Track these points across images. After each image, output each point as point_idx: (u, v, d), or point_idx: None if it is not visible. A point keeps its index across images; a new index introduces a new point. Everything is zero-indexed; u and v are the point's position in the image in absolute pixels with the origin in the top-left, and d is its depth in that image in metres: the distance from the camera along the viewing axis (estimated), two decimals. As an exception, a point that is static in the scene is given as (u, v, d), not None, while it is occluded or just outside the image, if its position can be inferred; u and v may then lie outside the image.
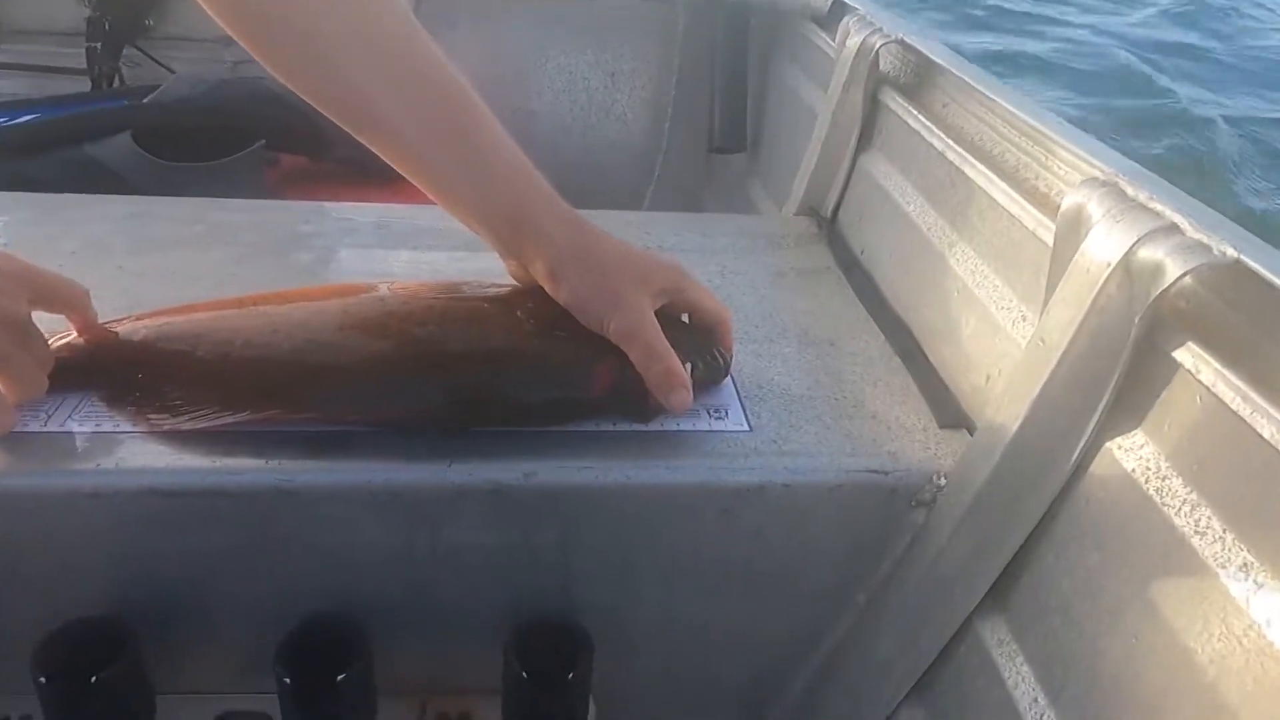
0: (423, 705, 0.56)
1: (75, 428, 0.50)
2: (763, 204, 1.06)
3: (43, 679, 0.46)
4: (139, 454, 0.48)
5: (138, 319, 0.55)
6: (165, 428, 0.49)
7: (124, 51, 1.11)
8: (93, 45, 1.08)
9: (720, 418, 0.55)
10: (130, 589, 0.50)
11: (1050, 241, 0.51)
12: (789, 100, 1.03)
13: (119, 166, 0.84)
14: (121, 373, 0.52)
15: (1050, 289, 0.47)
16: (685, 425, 0.54)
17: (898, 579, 0.55)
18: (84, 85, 1.10)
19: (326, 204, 0.78)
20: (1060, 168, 0.55)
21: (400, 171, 0.54)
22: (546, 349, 0.52)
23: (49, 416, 0.51)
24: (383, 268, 0.69)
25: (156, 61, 1.11)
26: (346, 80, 0.52)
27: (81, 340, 0.53)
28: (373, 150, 0.54)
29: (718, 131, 1.08)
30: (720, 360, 0.55)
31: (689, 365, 0.53)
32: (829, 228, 0.82)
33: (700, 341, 0.55)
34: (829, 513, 0.52)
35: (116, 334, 0.54)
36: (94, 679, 0.46)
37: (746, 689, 0.61)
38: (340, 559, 0.51)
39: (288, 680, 0.47)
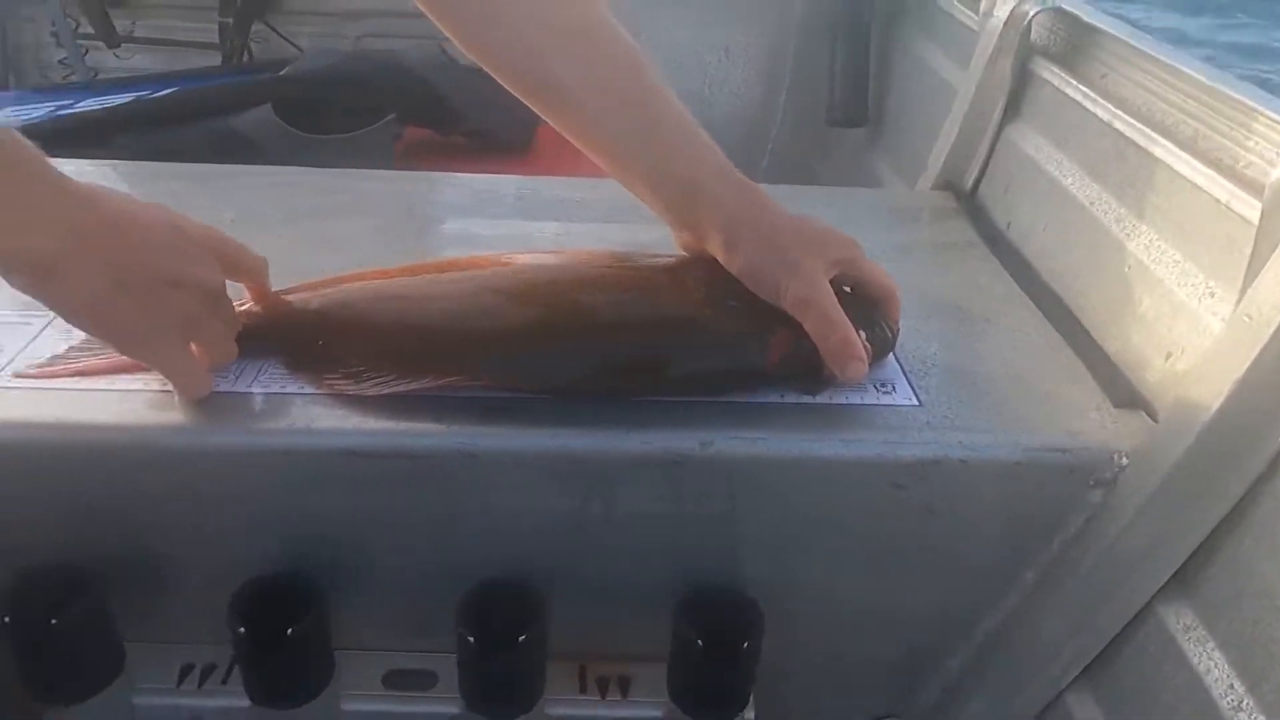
0: (582, 669, 0.57)
1: (261, 390, 0.52)
2: (886, 178, 1.04)
3: (241, 629, 0.48)
4: (327, 415, 0.49)
5: (311, 287, 0.57)
6: (350, 393, 0.51)
7: (252, 27, 1.14)
8: (225, 20, 1.11)
9: (888, 392, 0.54)
10: (316, 546, 0.52)
11: (1244, 212, 0.49)
12: (917, 72, 1.00)
13: (259, 138, 0.86)
14: (301, 339, 0.53)
15: (1257, 262, 0.45)
16: (853, 399, 0.53)
17: (1069, 559, 0.53)
18: (213, 59, 1.13)
19: (465, 175, 0.79)
20: (1248, 136, 0.52)
21: (571, 138, 0.54)
22: (720, 318, 0.52)
23: (236, 379, 0.52)
24: (529, 239, 0.70)
25: (282, 36, 1.13)
26: (525, 45, 0.52)
27: (259, 308, 0.55)
28: (545, 118, 0.54)
29: (839, 104, 1.07)
30: (889, 333, 0.55)
31: (859, 336, 0.52)
32: (968, 201, 0.80)
33: (868, 314, 0.54)
34: (1003, 490, 0.51)
35: (292, 302, 0.55)
36: (289, 631, 0.48)
37: (901, 663, 0.60)
38: (515, 523, 0.51)
39: (472, 640, 0.48)
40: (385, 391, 0.50)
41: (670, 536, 0.52)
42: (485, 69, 0.53)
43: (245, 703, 0.54)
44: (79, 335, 0.55)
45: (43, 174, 0.43)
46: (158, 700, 0.54)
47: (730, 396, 0.52)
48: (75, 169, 0.77)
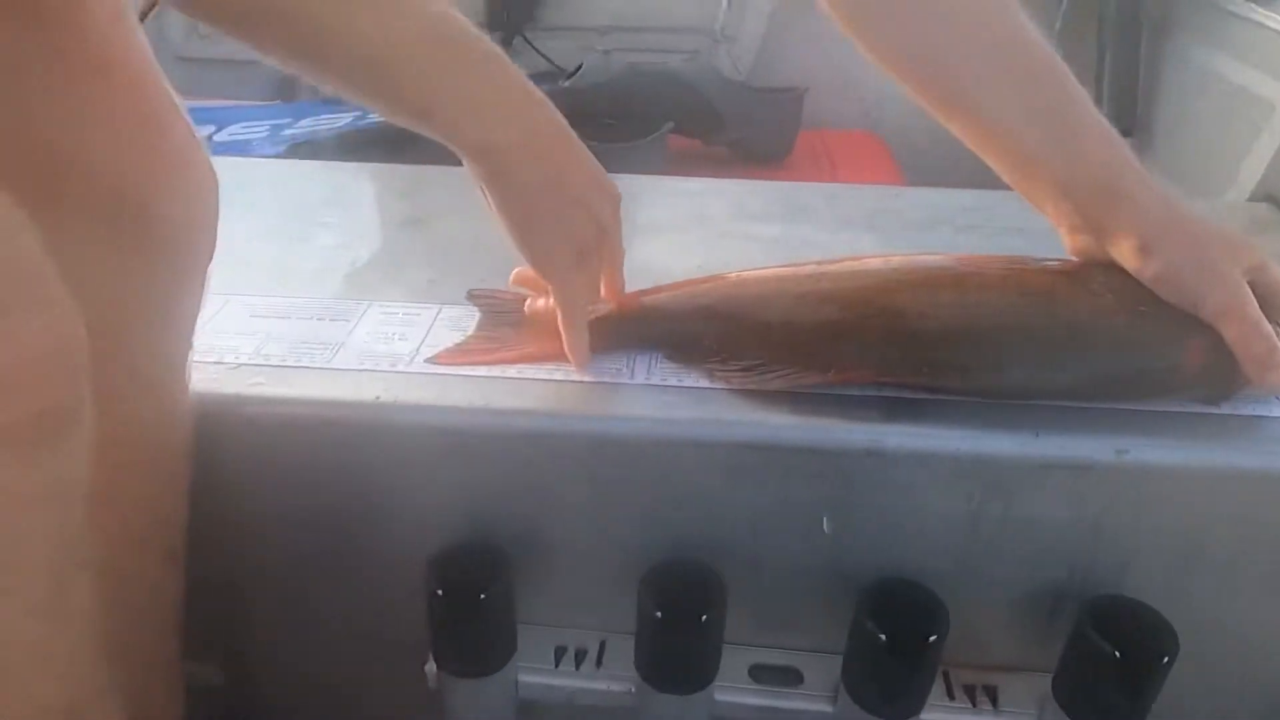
0: (945, 675, 0.56)
1: (659, 382, 0.53)
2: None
3: (658, 614, 0.49)
4: (733, 408, 0.51)
5: (676, 286, 0.58)
6: (750, 386, 0.52)
7: (514, 40, 1.19)
8: (493, 35, 1.15)
9: (1294, 404, 0.52)
10: (712, 537, 0.53)
11: None
12: (1201, 79, 0.97)
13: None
14: (686, 333, 0.55)
15: None
16: (1259, 411, 0.51)
17: None
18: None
19: (769, 182, 0.80)
20: None
21: (970, 143, 0.54)
22: (1130, 324, 0.50)
23: (632, 371, 0.54)
24: (854, 245, 0.70)
25: (536, 50, 1.18)
26: (935, 51, 0.52)
27: (631, 301, 0.57)
28: (945, 122, 0.54)
29: (1108, 112, 1.03)
30: None
31: None
32: (1294, 213, 0.77)
33: (1276, 323, 0.52)
34: None
35: (669, 297, 0.57)
36: (703, 618, 0.49)
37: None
38: (910, 522, 0.51)
39: (883, 638, 0.48)
40: (786, 385, 0.51)
41: (1062, 543, 0.51)
42: (887, 70, 0.53)
43: (619, 687, 0.55)
44: (469, 326, 0.58)
45: (513, 73, 0.48)
46: (539, 679, 0.56)
47: (1137, 403, 0.51)
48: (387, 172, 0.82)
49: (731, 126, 0.99)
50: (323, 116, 0.99)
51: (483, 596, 0.50)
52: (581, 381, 0.53)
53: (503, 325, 0.58)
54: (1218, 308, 0.49)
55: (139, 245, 0.46)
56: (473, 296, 0.61)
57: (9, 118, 0.41)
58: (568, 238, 0.51)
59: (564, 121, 0.51)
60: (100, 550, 0.45)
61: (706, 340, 0.54)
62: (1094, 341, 0.50)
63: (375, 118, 0.95)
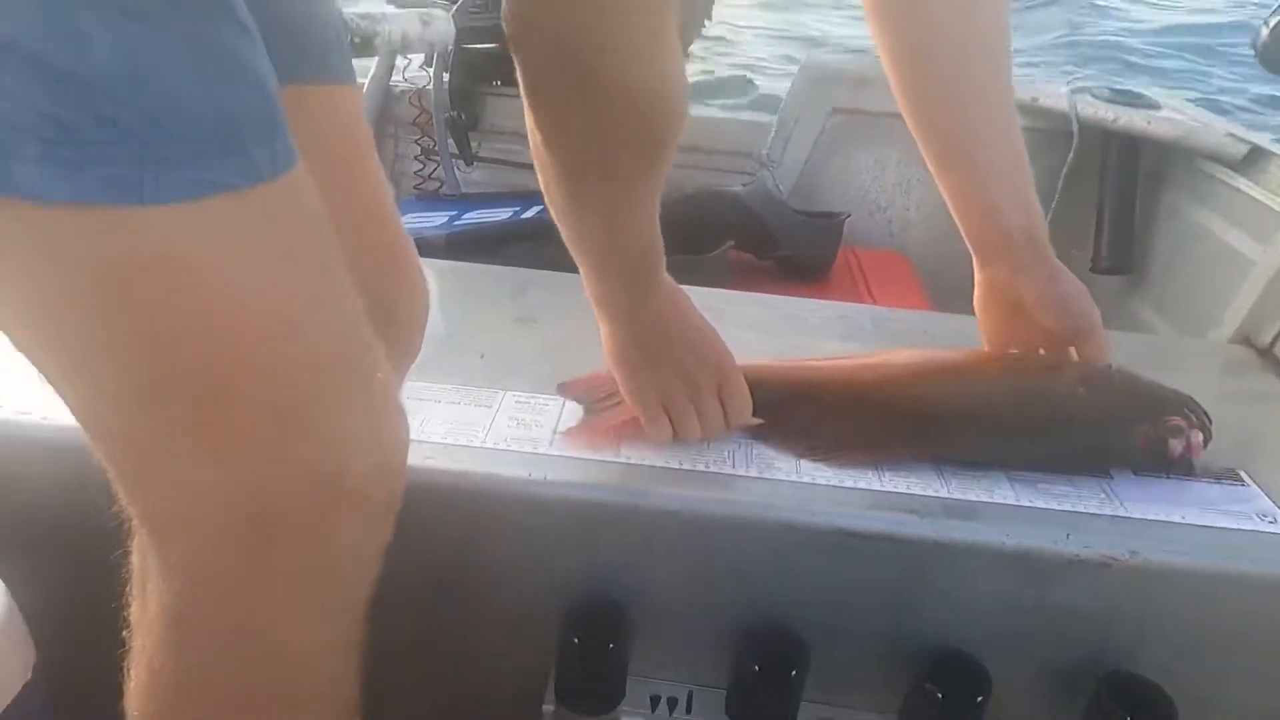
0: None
1: (756, 474, 0.65)
2: (1156, 326, 1.14)
3: (756, 669, 0.59)
4: (820, 499, 0.62)
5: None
6: (821, 462, 0.64)
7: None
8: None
9: (1271, 522, 0.64)
10: (804, 607, 0.63)
11: None
12: (1189, 232, 1.12)
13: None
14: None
15: None
16: (1245, 525, 0.63)
17: None
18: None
19: (834, 302, 0.94)
20: None
21: (944, 178, 0.71)
22: (1093, 408, 0.67)
23: (733, 461, 0.65)
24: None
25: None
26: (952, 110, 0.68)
27: None
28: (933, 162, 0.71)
29: (1105, 255, 1.18)
30: None
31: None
32: (1269, 356, 0.90)
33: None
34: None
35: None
36: (794, 673, 0.60)
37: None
38: (961, 605, 0.62)
39: (940, 696, 0.59)
40: (852, 462, 0.64)
41: (1089, 629, 0.63)
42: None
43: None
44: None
45: (664, 277, 0.63)
46: (638, 721, 0.66)
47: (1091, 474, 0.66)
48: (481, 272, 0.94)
49: (783, 245, 1.13)
50: (419, 214, 1.11)
51: (611, 647, 0.60)
52: (694, 470, 0.64)
53: (605, 404, 0.69)
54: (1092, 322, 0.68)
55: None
56: (563, 388, 0.72)
57: None
58: (658, 392, 0.64)
59: (689, 303, 0.65)
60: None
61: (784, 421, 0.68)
62: (1070, 419, 0.67)
63: (474, 219, 1.08)
